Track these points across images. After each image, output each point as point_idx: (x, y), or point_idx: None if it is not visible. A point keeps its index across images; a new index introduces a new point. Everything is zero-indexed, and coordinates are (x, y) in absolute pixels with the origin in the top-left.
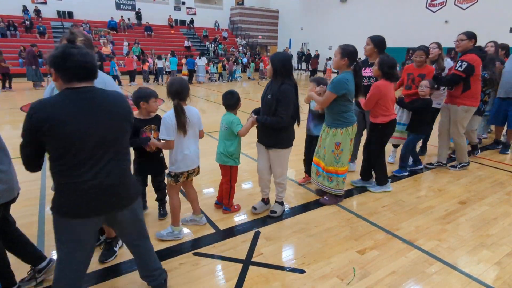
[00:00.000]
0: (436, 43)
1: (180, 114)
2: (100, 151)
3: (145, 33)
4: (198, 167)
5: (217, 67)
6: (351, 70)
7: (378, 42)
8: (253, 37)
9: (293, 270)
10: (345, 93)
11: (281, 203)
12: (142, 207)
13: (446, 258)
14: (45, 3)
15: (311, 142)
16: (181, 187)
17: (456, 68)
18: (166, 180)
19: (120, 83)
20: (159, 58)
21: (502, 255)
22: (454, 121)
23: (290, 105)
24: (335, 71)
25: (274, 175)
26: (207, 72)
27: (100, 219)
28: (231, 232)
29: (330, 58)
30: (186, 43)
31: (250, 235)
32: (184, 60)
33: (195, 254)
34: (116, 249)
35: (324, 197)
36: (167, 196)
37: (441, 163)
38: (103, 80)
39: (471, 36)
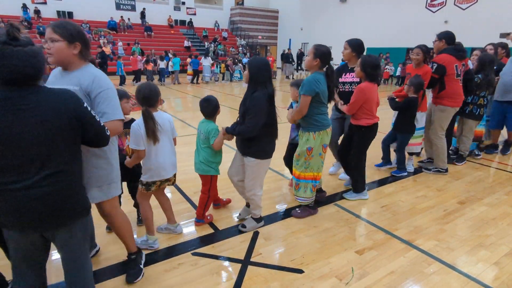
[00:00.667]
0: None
1: (148, 121)
2: (27, 163)
3: (145, 33)
4: (174, 175)
5: (220, 67)
6: (323, 72)
7: (356, 46)
8: (253, 37)
9: (292, 270)
10: (318, 93)
11: (257, 220)
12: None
13: (445, 258)
14: (45, 3)
15: (293, 150)
16: (155, 195)
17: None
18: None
19: (124, 83)
20: (162, 58)
21: (501, 255)
22: (432, 120)
23: (258, 114)
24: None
25: (245, 186)
26: (211, 72)
27: (36, 235)
28: (230, 232)
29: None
30: (186, 43)
31: (249, 235)
32: (188, 60)
33: (194, 254)
34: (142, 266)
35: (297, 209)
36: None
37: (430, 159)
38: (93, 75)
39: (442, 36)
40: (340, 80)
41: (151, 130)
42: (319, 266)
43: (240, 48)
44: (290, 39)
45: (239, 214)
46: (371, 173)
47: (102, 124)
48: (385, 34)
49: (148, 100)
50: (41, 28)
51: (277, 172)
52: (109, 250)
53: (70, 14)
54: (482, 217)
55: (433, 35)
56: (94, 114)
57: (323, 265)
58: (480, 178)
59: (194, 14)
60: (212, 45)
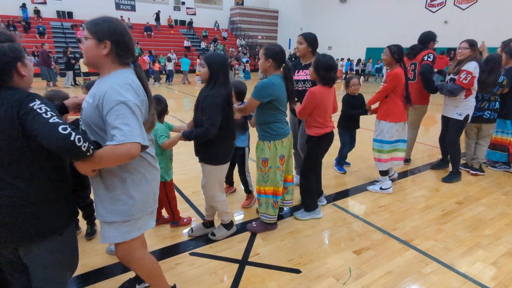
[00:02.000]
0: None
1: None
2: None
3: (145, 33)
4: None
5: None
6: (281, 73)
7: (312, 41)
8: (252, 37)
9: (289, 270)
10: (271, 100)
11: (227, 226)
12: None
13: (442, 258)
14: (44, 3)
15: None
16: None
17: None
18: None
19: (158, 80)
20: (169, 60)
21: (498, 255)
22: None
23: (215, 114)
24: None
25: (204, 194)
26: None
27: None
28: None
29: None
30: (186, 43)
31: (246, 235)
32: (198, 61)
33: (192, 254)
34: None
35: (253, 222)
36: None
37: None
38: (108, 87)
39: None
40: (294, 78)
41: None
42: (316, 266)
43: (240, 48)
44: (290, 39)
45: (192, 231)
46: (371, 173)
47: (54, 121)
48: (385, 34)
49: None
50: (40, 28)
51: None
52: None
53: (70, 14)
54: (480, 217)
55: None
56: (41, 111)
57: (321, 265)
58: (479, 178)
59: (194, 14)
60: (211, 45)
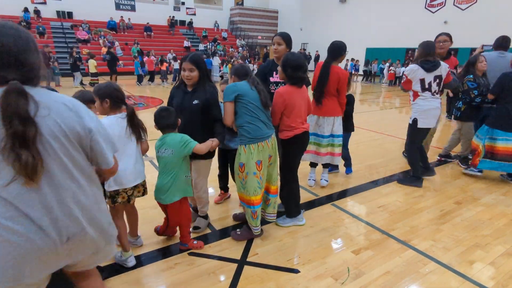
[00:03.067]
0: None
1: (135, 120)
2: None
3: (145, 33)
4: (142, 185)
5: (228, 67)
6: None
7: (290, 41)
8: (252, 38)
9: (288, 270)
10: (238, 96)
11: (205, 217)
12: None
13: (441, 258)
14: (44, 3)
15: (225, 156)
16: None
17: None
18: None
19: (141, 81)
20: (175, 59)
21: (497, 255)
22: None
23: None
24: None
25: (196, 186)
26: (220, 71)
27: None
28: (227, 232)
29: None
30: (186, 43)
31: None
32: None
33: (191, 254)
34: None
35: (237, 230)
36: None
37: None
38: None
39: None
40: (272, 80)
41: (137, 129)
42: (315, 266)
43: (240, 48)
44: None
45: (199, 228)
46: (370, 174)
47: None
48: (385, 34)
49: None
50: (40, 28)
51: None
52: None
53: (69, 14)
54: (478, 217)
55: (432, 35)
56: None
57: (319, 264)
58: (478, 178)
59: (194, 14)
60: (212, 45)
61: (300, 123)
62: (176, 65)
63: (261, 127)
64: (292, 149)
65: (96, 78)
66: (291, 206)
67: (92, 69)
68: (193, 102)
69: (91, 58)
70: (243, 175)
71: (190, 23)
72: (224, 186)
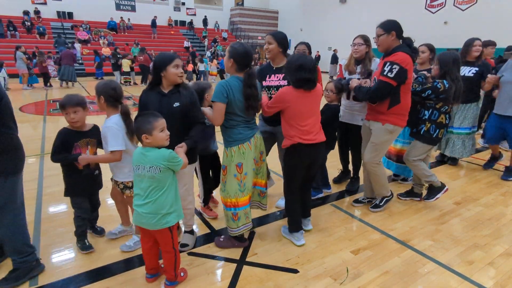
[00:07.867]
0: (361, 36)
1: (130, 118)
2: None
3: (152, 29)
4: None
5: None
6: (241, 77)
7: (282, 40)
8: (252, 38)
9: (287, 270)
10: (229, 101)
11: (191, 232)
12: None
13: (440, 258)
14: (45, 3)
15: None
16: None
17: (385, 73)
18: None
19: (190, 80)
20: (201, 61)
21: (495, 255)
22: (374, 143)
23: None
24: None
25: (182, 197)
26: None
27: None
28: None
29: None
30: (186, 43)
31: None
32: (215, 62)
33: (190, 254)
34: None
35: (221, 237)
36: (114, 202)
37: (371, 198)
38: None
39: (391, 27)
40: (264, 84)
41: (131, 129)
42: (314, 266)
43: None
44: (290, 40)
45: (187, 245)
46: None
47: None
48: None
49: (122, 97)
50: (40, 29)
51: (275, 172)
52: (106, 248)
53: (70, 15)
54: (477, 217)
55: (432, 35)
56: None
57: (318, 265)
58: (477, 179)
59: (194, 14)
60: (212, 45)
61: (300, 131)
62: (201, 67)
63: (245, 129)
64: (291, 158)
65: (128, 77)
66: (289, 219)
67: (126, 68)
68: (174, 105)
69: (124, 58)
70: (225, 177)
71: (191, 23)
72: (206, 199)
